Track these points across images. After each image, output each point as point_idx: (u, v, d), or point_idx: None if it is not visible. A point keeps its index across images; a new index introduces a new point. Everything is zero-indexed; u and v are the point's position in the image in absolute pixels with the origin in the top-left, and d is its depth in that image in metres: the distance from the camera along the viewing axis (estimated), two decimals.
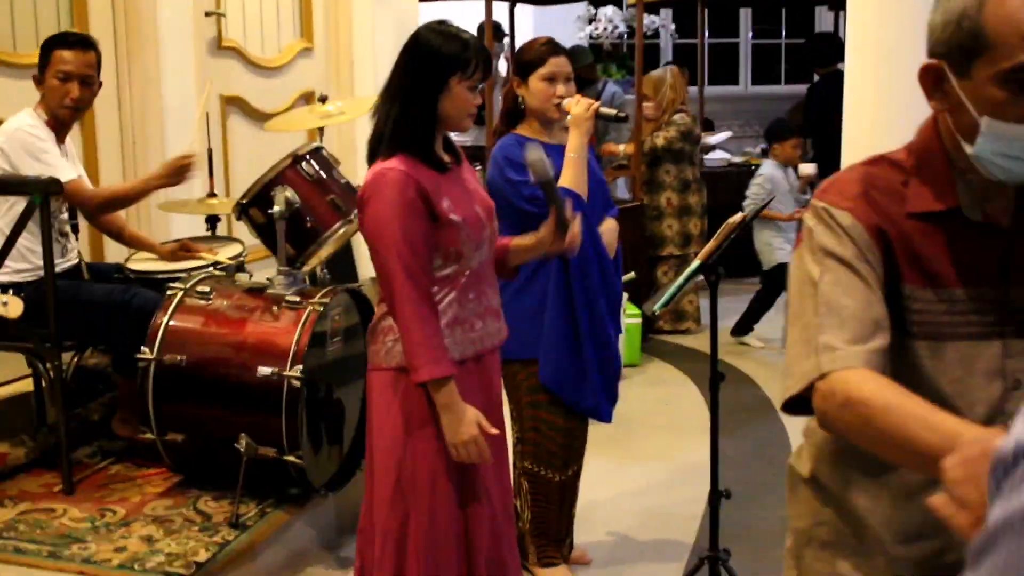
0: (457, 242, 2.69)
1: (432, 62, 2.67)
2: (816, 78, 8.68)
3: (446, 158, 2.76)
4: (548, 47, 3.46)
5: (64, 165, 3.89)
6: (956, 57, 1.54)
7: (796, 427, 5.48)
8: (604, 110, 3.48)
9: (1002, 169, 1.55)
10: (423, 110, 2.68)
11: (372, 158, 2.74)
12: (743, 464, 4.78)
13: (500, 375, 3.00)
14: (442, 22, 2.77)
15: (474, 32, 2.88)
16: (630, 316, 6.22)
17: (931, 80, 1.59)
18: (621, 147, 7.13)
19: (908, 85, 5.05)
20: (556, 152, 3.40)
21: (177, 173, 4.02)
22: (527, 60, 3.45)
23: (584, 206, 3.33)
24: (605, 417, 3.61)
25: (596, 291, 3.49)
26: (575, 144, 3.39)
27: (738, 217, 3.41)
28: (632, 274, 5.41)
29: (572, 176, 3.37)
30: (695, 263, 3.33)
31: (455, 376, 2.66)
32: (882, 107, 5.46)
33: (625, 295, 6.12)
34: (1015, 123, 1.51)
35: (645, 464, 4.91)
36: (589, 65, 8.30)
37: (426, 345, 2.62)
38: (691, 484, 4.58)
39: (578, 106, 3.38)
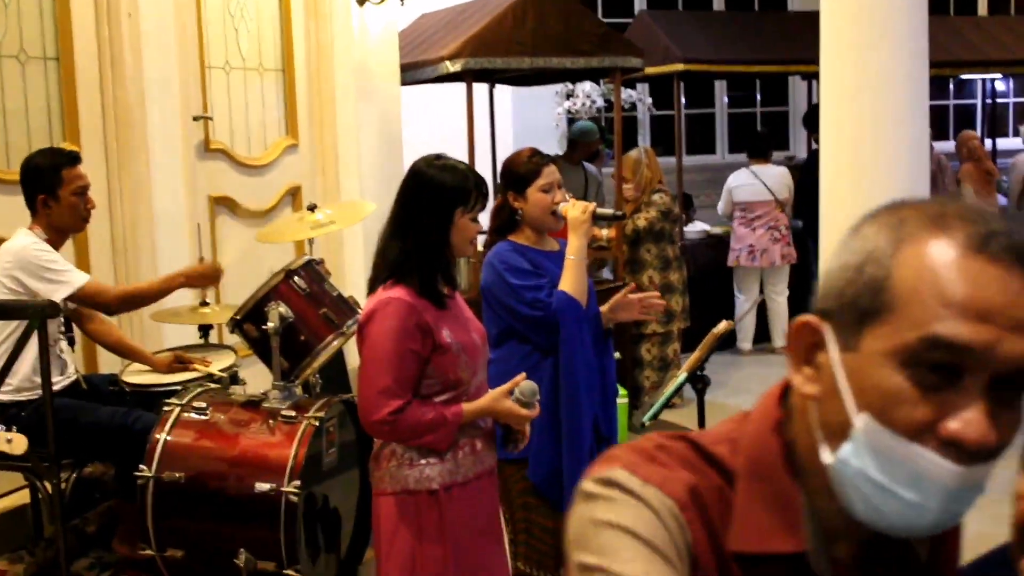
0: (456, 368, 2.83)
1: (439, 198, 2.83)
2: (815, 146, 8.94)
3: (445, 290, 2.89)
4: (539, 158, 3.54)
5: (76, 272, 4.00)
6: (846, 317, 1.04)
7: None
8: (601, 210, 3.54)
9: (863, 498, 1.03)
10: (434, 244, 2.83)
11: (373, 286, 2.87)
12: None
13: (497, 493, 3.11)
14: (439, 156, 2.93)
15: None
16: (618, 396, 6.30)
17: (804, 345, 1.08)
18: (604, 232, 7.27)
19: (884, 159, 5.17)
20: (547, 258, 3.50)
21: (203, 278, 4.20)
22: (522, 174, 3.51)
23: (581, 312, 3.42)
24: None
25: (588, 395, 3.56)
26: (575, 247, 3.42)
27: (723, 327, 3.52)
28: (617, 354, 5.51)
29: (573, 280, 3.41)
30: (682, 375, 3.43)
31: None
32: (859, 183, 5.61)
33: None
34: (903, 435, 0.99)
35: None
36: (599, 140, 8.48)
37: (427, 428, 2.78)
38: None
39: (574, 209, 3.43)
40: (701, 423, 3.60)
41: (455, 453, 2.87)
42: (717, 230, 9.02)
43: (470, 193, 2.84)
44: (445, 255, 2.87)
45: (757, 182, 8.39)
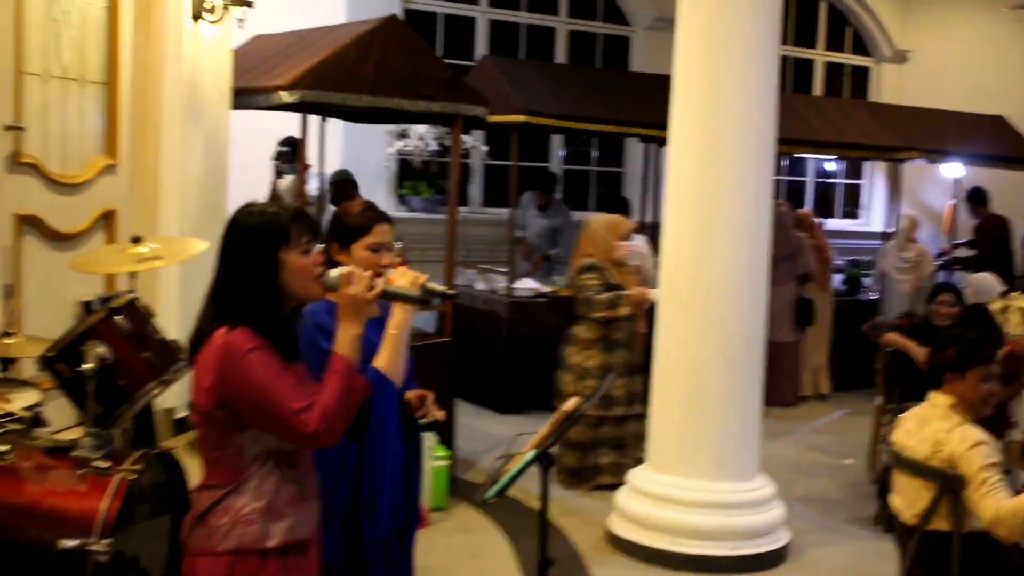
0: None
1: (255, 243, 2.74)
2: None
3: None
4: (373, 213, 3.39)
5: None
6: None
7: None
8: (431, 285, 3.21)
9: None
10: (265, 291, 2.74)
11: (207, 327, 2.77)
12: None
13: (321, 560, 3.03)
14: (251, 204, 2.85)
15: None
16: (438, 458, 6.33)
17: None
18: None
19: (726, 226, 5.37)
20: (369, 325, 3.29)
21: None
22: (351, 226, 3.35)
23: (394, 392, 3.22)
24: None
25: (391, 482, 3.39)
26: (399, 320, 3.17)
27: (572, 403, 3.58)
28: (442, 413, 5.52)
29: (390, 357, 3.15)
30: (530, 452, 3.46)
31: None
32: (700, 249, 5.81)
33: (435, 435, 6.24)
34: None
35: None
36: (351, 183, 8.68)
37: (343, 392, 2.71)
38: None
39: (403, 279, 3.12)
40: (544, 500, 3.64)
41: (296, 509, 2.80)
42: (547, 288, 9.10)
43: (285, 229, 2.75)
44: (280, 304, 2.77)
45: None
